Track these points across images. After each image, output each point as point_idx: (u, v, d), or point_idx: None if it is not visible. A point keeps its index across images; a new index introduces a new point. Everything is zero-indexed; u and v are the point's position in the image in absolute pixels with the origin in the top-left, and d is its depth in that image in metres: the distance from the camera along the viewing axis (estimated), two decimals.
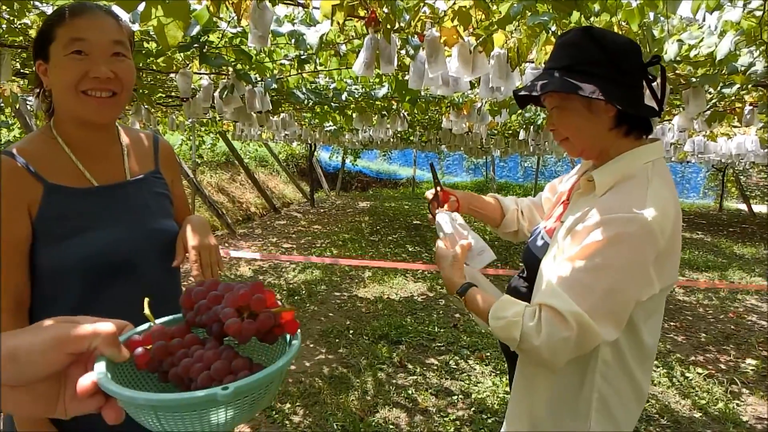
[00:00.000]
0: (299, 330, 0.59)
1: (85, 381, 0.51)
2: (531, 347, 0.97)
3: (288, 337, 0.61)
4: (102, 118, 1.05)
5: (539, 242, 1.19)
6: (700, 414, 2.92)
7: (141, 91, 3.40)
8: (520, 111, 4.28)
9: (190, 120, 6.17)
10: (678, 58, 2.39)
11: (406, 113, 4.17)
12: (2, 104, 3.60)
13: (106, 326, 0.54)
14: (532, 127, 5.24)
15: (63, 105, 1.05)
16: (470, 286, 1.11)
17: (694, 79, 2.65)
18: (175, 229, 1.19)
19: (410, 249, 7.24)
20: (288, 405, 2.84)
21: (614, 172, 1.05)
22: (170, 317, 0.65)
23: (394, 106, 3.82)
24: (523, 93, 1.12)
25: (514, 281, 1.28)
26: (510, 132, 6.35)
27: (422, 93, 3.26)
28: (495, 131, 6.26)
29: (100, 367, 0.51)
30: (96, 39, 0.99)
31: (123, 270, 1.07)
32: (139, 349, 0.56)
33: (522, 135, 5.48)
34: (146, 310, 0.61)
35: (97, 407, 0.52)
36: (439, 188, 1.39)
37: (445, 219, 1.29)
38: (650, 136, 1.13)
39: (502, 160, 18.10)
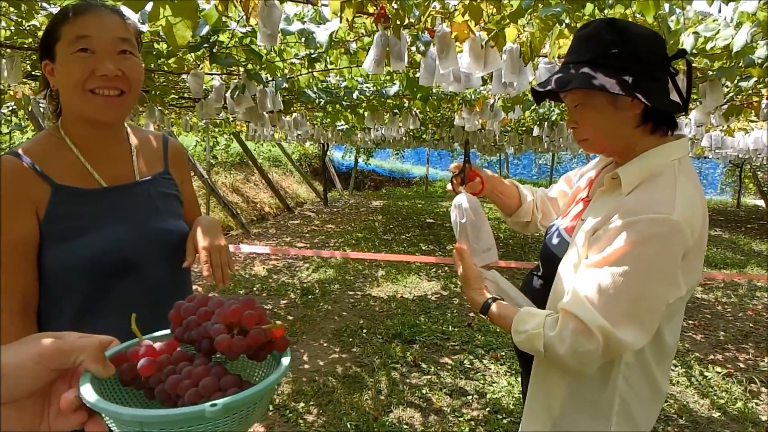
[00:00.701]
0: (289, 347, 0.58)
1: (68, 395, 0.51)
2: (556, 356, 0.96)
3: (277, 354, 0.60)
4: (109, 117, 1.05)
5: (555, 240, 1.16)
6: (719, 413, 2.85)
7: (153, 92, 3.43)
8: (533, 107, 4.23)
9: (203, 121, 6.21)
10: (694, 51, 2.34)
11: (417, 111, 4.14)
12: (15, 107, 3.66)
13: (91, 341, 0.54)
14: (546, 123, 5.18)
15: (70, 104, 1.04)
16: (491, 303, 1.10)
17: (710, 73, 2.59)
18: (184, 229, 1.19)
19: (424, 248, 7.21)
20: (302, 404, 2.84)
21: (641, 170, 1.00)
22: (159, 333, 0.64)
23: (406, 104, 3.80)
24: (545, 89, 1.06)
25: (530, 278, 1.25)
26: (523, 129, 6.28)
27: (434, 90, 3.23)
28: (508, 128, 6.19)
29: (85, 382, 0.51)
30: (101, 36, 0.99)
31: (129, 270, 1.07)
32: (124, 365, 0.56)
33: (536, 131, 5.42)
34: (133, 326, 0.60)
35: (81, 423, 0.52)
36: (468, 165, 1.33)
37: (464, 202, 1.24)
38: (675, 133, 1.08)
39: (515, 157, 17.94)
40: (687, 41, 2.29)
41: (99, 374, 0.52)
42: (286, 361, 0.55)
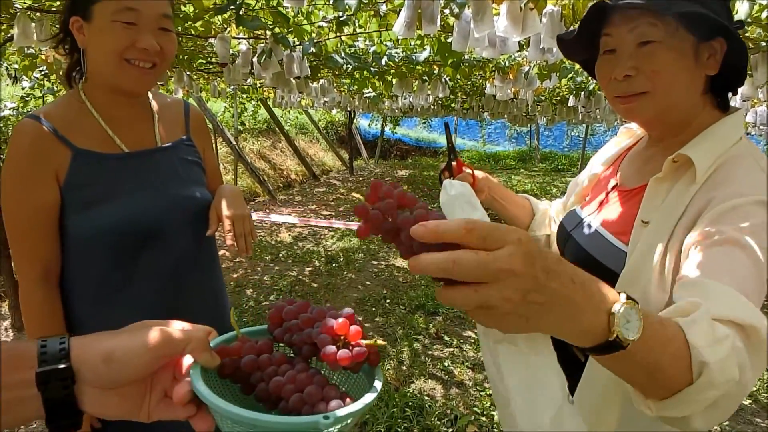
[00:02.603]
0: (380, 364, 0.60)
1: (181, 389, 0.52)
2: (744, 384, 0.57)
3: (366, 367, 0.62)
4: (140, 89, 1.04)
5: (588, 235, 0.94)
6: (750, 401, 2.77)
7: (181, 57, 3.40)
8: (570, 75, 4.03)
9: (231, 87, 6.18)
10: (748, 20, 2.15)
11: (447, 78, 4.01)
12: (47, 71, 3.68)
13: (198, 332, 0.55)
14: (582, 93, 4.96)
15: (100, 70, 1.02)
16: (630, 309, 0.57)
17: (764, 44, 2.40)
18: (207, 197, 1.16)
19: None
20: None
21: (714, 149, 0.79)
22: (253, 328, 0.65)
23: (436, 71, 3.67)
24: (633, 5, 0.78)
25: None
26: (558, 98, 6.05)
27: (466, 56, 3.10)
28: (542, 97, 5.97)
29: (197, 376, 0.52)
30: (147, 11, 0.97)
31: (152, 238, 1.05)
32: (227, 360, 0.57)
33: (571, 101, 5.20)
34: (232, 319, 0.63)
35: (188, 416, 0.53)
36: (453, 155, 1.12)
37: (454, 187, 1.10)
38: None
39: (547, 128, 17.46)
40: (742, 8, 2.11)
41: (207, 364, 0.54)
42: (378, 384, 0.56)
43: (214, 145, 1.33)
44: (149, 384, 0.54)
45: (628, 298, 0.49)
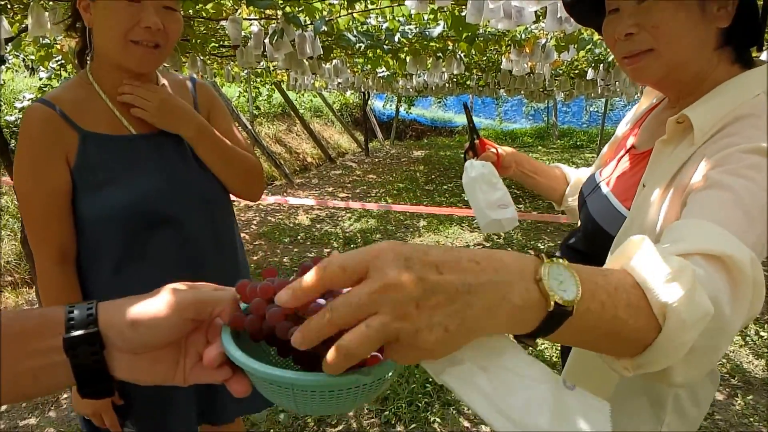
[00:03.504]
0: None
1: (211, 352, 0.50)
2: (725, 320, 0.51)
3: None
4: (145, 68, 1.04)
5: (599, 205, 0.91)
6: None
7: (194, 41, 3.39)
8: (589, 47, 3.91)
9: (245, 71, 6.18)
10: None
11: (462, 54, 3.94)
12: (63, 61, 3.72)
13: (226, 293, 0.53)
14: (601, 65, 4.83)
15: (105, 50, 1.02)
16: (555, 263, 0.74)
17: None
18: (215, 177, 1.16)
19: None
20: None
21: (717, 109, 0.74)
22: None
23: (450, 47, 3.61)
24: None
25: (570, 241, 1.01)
26: (576, 72, 5.91)
27: (481, 30, 3.04)
28: (560, 71, 5.84)
29: (227, 338, 0.50)
30: None
31: (161, 220, 1.06)
32: (253, 317, 0.55)
33: (590, 74, 5.08)
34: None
35: (223, 379, 0.51)
36: (475, 135, 1.13)
37: (474, 168, 1.04)
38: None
39: (565, 104, 17.11)
40: None
41: (237, 327, 0.51)
42: None
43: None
44: (183, 348, 0.53)
45: (550, 256, 0.43)
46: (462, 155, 1.17)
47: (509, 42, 3.37)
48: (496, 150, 1.11)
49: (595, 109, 17.75)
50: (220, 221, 1.15)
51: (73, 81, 1.09)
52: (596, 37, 3.33)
